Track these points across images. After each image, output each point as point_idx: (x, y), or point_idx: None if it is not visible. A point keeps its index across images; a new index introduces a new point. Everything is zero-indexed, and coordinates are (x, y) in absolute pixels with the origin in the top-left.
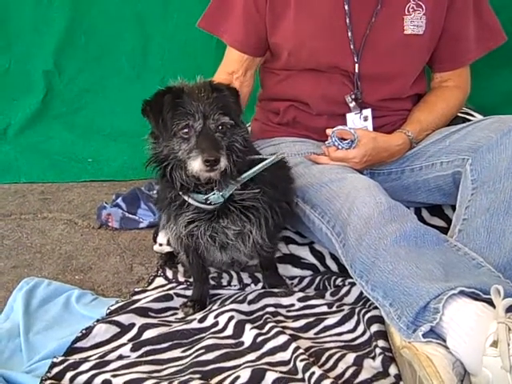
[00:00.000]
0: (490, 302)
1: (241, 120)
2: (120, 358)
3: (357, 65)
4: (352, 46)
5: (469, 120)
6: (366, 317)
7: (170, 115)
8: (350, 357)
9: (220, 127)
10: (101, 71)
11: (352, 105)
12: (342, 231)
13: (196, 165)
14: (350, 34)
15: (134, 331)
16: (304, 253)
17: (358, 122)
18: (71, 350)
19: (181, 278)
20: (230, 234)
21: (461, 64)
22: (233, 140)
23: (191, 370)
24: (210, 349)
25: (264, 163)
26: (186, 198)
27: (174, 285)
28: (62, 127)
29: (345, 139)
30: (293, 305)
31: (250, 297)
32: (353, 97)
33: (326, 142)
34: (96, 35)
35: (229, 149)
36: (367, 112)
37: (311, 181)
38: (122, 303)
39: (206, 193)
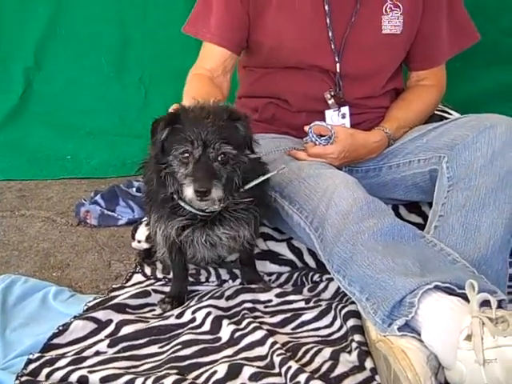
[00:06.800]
0: (465, 297)
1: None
2: (97, 354)
3: (338, 64)
4: (333, 46)
5: (446, 118)
6: (343, 312)
7: (161, 138)
8: (327, 351)
9: (221, 156)
10: (80, 69)
11: (330, 102)
12: (320, 226)
13: (188, 192)
14: (330, 33)
15: (112, 327)
16: (282, 249)
17: (336, 119)
18: (48, 347)
19: (159, 275)
20: (223, 238)
21: (435, 63)
22: (234, 168)
23: (168, 365)
24: (187, 344)
25: (265, 177)
26: (181, 203)
27: (152, 281)
28: (40, 124)
29: (323, 136)
30: (270, 300)
31: (227, 293)
32: (332, 94)
33: (304, 139)
34: (76, 33)
35: (230, 177)
36: (345, 109)
37: (289, 176)
38: (100, 300)
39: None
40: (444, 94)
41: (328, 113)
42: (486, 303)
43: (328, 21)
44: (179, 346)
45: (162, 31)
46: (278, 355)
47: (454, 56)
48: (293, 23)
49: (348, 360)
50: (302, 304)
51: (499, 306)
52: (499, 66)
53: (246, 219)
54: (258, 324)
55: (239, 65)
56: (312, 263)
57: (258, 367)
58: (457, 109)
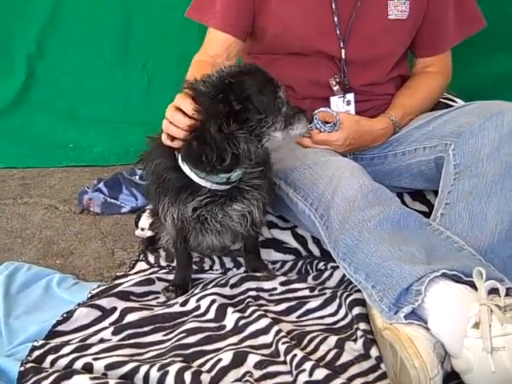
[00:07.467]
0: (472, 285)
1: None
2: (101, 341)
3: (343, 50)
4: (338, 32)
5: (451, 106)
6: (348, 300)
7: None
8: (332, 340)
9: None
10: (82, 57)
11: (336, 88)
12: (326, 214)
13: (301, 123)
14: (335, 19)
15: (116, 315)
16: (286, 237)
17: (341, 105)
18: (52, 334)
19: (163, 263)
20: (234, 216)
21: (441, 49)
22: None
23: (173, 353)
24: (191, 332)
25: None
26: (202, 182)
27: (155, 269)
28: (43, 112)
29: (328, 122)
30: (275, 289)
31: (232, 281)
32: (337, 80)
33: (309, 125)
34: (78, 20)
35: None
36: (350, 96)
37: (294, 163)
38: (104, 287)
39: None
40: (450, 81)
41: (333, 99)
42: (493, 291)
43: (334, 6)
44: (184, 334)
45: (165, 18)
46: (283, 343)
47: (460, 42)
48: (298, 8)
49: (353, 348)
50: (306, 292)
51: (507, 294)
52: (505, 52)
53: (259, 193)
54: (262, 312)
55: (243, 52)
56: (316, 251)
57: (263, 355)
58: (461, 96)
